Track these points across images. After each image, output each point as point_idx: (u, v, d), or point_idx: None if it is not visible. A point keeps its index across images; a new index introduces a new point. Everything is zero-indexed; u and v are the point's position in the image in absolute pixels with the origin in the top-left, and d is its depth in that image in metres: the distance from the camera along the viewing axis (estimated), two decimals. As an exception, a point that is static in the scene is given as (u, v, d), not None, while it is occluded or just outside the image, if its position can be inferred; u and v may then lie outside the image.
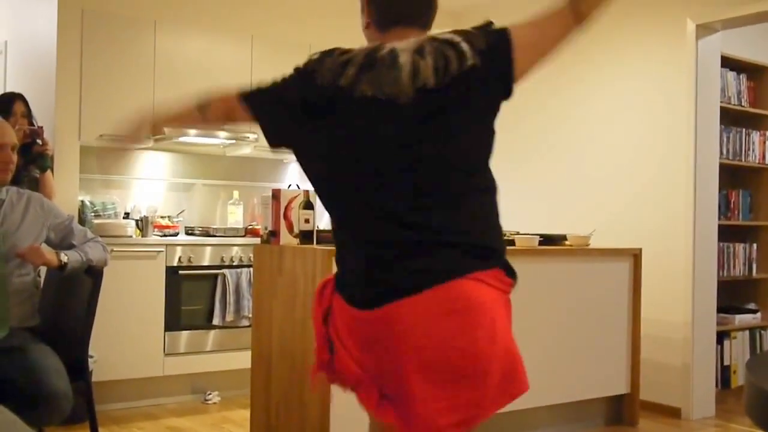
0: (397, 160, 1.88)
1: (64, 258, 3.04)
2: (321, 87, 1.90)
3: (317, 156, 1.99)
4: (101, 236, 3.50)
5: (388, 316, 1.86)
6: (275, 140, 2.06)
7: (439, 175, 1.88)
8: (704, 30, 4.82)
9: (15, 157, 3.07)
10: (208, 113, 2.12)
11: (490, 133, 1.96)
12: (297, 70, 2.01)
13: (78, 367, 3.04)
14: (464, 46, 1.86)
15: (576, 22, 1.90)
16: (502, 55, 1.89)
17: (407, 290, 1.85)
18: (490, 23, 1.95)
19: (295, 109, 1.96)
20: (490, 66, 1.88)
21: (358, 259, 1.94)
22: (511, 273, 2.09)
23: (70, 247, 3.14)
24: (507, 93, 1.95)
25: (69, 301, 3.25)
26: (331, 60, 1.92)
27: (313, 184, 2.05)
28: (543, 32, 1.92)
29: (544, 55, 1.95)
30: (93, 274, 3.16)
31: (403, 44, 1.89)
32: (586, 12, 1.90)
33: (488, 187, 1.98)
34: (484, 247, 1.97)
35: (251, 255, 4.60)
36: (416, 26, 2.00)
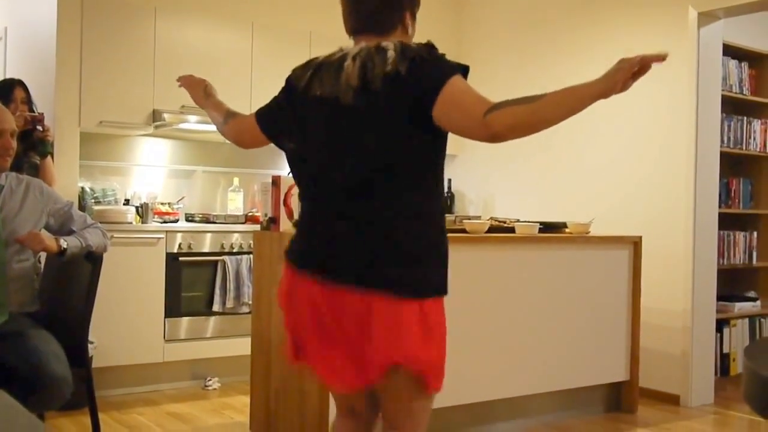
0: (336, 155, 2.08)
1: (63, 244, 3.03)
2: (292, 90, 2.20)
3: (290, 148, 2.25)
4: (101, 222, 3.50)
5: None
6: (267, 131, 2.35)
7: (361, 173, 2.04)
8: (706, 18, 4.80)
9: (15, 144, 3.07)
10: (229, 120, 2.48)
11: (423, 145, 2.04)
12: (287, 78, 2.27)
13: (78, 353, 3.04)
14: (391, 53, 1.99)
15: (483, 128, 1.90)
16: (433, 83, 1.95)
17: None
18: (431, 45, 2.05)
19: (283, 110, 2.26)
20: (419, 80, 1.97)
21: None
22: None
23: (70, 232, 3.14)
24: (426, 112, 1.97)
25: (69, 286, 3.25)
26: (302, 66, 2.20)
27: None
28: (462, 105, 1.94)
29: (452, 125, 1.99)
30: (92, 259, 3.16)
31: (352, 49, 2.09)
32: (496, 130, 1.89)
33: (409, 201, 2.06)
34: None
35: (251, 242, 4.61)
36: (375, 34, 2.12)
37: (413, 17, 2.19)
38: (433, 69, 1.99)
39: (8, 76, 5.13)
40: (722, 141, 5.17)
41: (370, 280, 2.01)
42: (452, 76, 1.97)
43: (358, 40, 2.15)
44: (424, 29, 2.27)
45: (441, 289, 2.11)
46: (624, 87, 1.93)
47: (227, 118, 2.49)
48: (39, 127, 4.09)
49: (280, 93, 2.28)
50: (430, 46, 2.05)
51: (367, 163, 2.02)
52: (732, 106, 5.38)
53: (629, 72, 1.91)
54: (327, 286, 2.06)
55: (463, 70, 2.01)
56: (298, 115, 2.17)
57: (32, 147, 4.07)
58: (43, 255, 3.24)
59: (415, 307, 2.02)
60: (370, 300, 2.00)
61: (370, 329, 2.01)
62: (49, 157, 4.13)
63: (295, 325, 2.19)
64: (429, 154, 2.07)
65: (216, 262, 5.01)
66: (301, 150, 2.18)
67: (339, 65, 2.06)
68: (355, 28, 2.17)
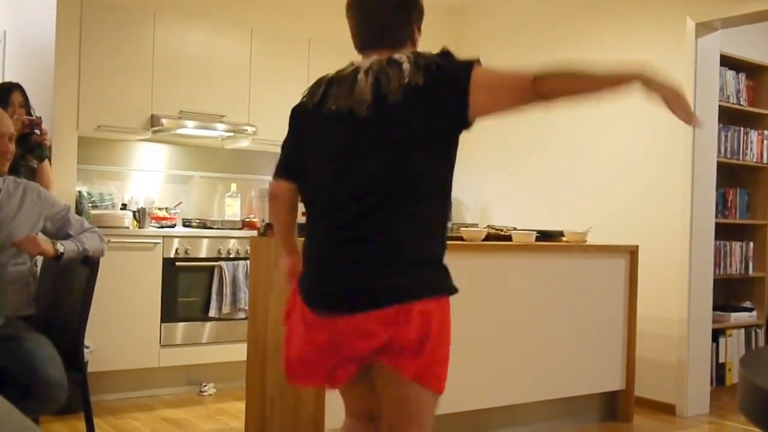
0: (350, 169, 2.07)
1: (60, 248, 3.03)
2: (300, 115, 2.22)
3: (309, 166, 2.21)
4: (98, 227, 3.50)
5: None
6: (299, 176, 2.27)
7: (378, 187, 2.04)
8: (704, 28, 4.82)
9: (12, 147, 3.07)
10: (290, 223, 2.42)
11: (439, 154, 2.07)
12: (291, 112, 2.28)
13: (73, 357, 3.03)
14: (406, 66, 2.02)
15: (534, 95, 1.98)
16: (457, 84, 2.00)
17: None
18: (447, 51, 2.07)
19: (298, 146, 2.22)
20: (440, 89, 2.00)
21: None
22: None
23: (67, 237, 3.14)
24: (463, 122, 2.05)
25: (65, 290, 3.25)
26: (314, 84, 2.20)
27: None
28: (503, 83, 2.03)
29: (497, 106, 2.06)
30: (89, 264, 3.15)
31: (365, 63, 2.11)
32: (546, 93, 1.97)
33: (419, 213, 2.07)
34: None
35: (248, 247, 4.61)
36: (386, 48, 2.13)
37: (419, 31, 2.24)
38: (451, 70, 2.02)
39: (6, 79, 5.14)
40: (719, 151, 5.18)
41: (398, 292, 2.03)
42: (473, 67, 2.01)
43: (368, 55, 2.15)
44: (423, 37, 2.27)
45: (452, 288, 2.13)
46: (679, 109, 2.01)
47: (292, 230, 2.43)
48: (36, 131, 4.09)
49: (289, 135, 2.27)
50: (445, 52, 2.07)
51: (382, 178, 2.03)
52: (729, 117, 5.40)
53: (679, 107, 2.02)
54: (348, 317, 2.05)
55: (477, 61, 2.05)
56: (310, 133, 2.18)
57: (30, 151, 4.07)
58: (39, 259, 3.24)
59: (439, 305, 2.07)
60: (405, 310, 2.01)
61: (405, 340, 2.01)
62: (46, 161, 4.13)
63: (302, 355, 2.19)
64: (442, 166, 2.09)
65: (213, 267, 5.01)
66: (315, 165, 2.16)
67: (352, 79, 2.07)
68: (365, 44, 2.18)
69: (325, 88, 2.13)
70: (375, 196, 2.03)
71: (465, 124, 2.06)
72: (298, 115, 2.23)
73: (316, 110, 2.13)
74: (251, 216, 5.54)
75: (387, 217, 2.03)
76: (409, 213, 2.04)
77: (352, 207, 2.05)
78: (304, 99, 2.21)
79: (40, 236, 3.09)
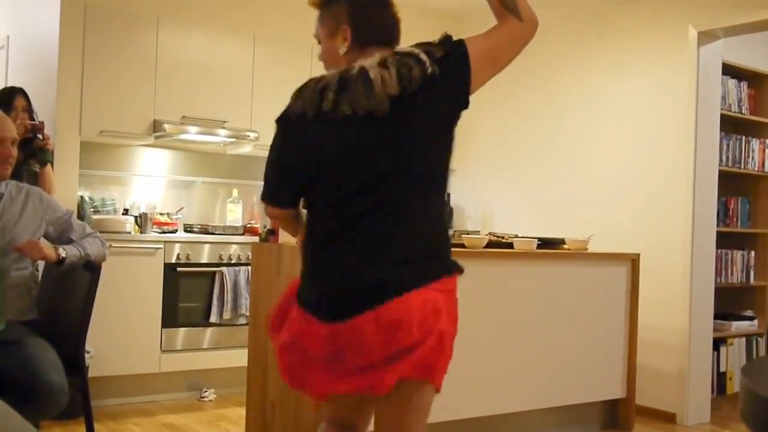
0: (377, 170, 2.03)
1: (62, 252, 3.04)
2: (307, 121, 2.03)
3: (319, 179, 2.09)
4: (100, 232, 3.49)
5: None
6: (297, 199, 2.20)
7: (407, 183, 2.04)
8: (706, 37, 4.82)
9: (15, 152, 3.07)
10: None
11: (451, 142, 2.12)
12: (281, 121, 2.11)
13: (74, 362, 3.03)
14: (423, 56, 2.01)
15: (526, 31, 2.12)
16: (460, 64, 2.05)
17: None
18: (449, 36, 2.10)
19: (304, 162, 2.08)
20: (449, 74, 2.04)
21: None
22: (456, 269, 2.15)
23: (69, 241, 3.14)
24: (464, 103, 2.09)
25: (67, 295, 3.25)
26: (309, 90, 2.05)
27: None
28: (495, 37, 2.13)
29: (502, 66, 2.16)
30: (91, 269, 3.15)
31: (369, 61, 2.03)
32: (512, 6, 2.08)
33: (442, 197, 2.15)
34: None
35: (249, 253, 4.61)
36: (389, 44, 2.13)
37: None
38: (456, 56, 2.06)
39: (10, 84, 5.14)
40: (721, 160, 5.18)
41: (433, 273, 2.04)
42: (464, 45, 2.06)
43: (366, 53, 2.08)
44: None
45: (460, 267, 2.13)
46: None
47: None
48: (39, 136, 4.10)
49: (288, 151, 2.11)
50: (446, 38, 2.10)
51: (413, 169, 2.04)
52: (731, 125, 5.40)
53: None
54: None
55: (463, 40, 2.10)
56: (321, 142, 2.04)
57: (32, 155, 4.07)
58: (41, 263, 3.24)
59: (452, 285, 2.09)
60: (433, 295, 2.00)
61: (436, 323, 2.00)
62: (48, 166, 4.13)
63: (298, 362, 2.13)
64: (450, 151, 2.12)
65: (214, 273, 5.01)
66: (332, 177, 2.05)
67: (364, 78, 1.99)
68: (377, 39, 2.10)
69: (336, 92, 2.00)
70: (404, 191, 2.03)
71: (466, 105, 2.09)
72: (297, 125, 2.06)
73: (323, 116, 2.01)
74: (253, 222, 5.54)
75: (417, 210, 2.05)
76: (431, 204, 2.09)
77: (387, 207, 2.03)
78: (302, 107, 2.04)
79: (42, 241, 3.09)
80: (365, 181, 2.03)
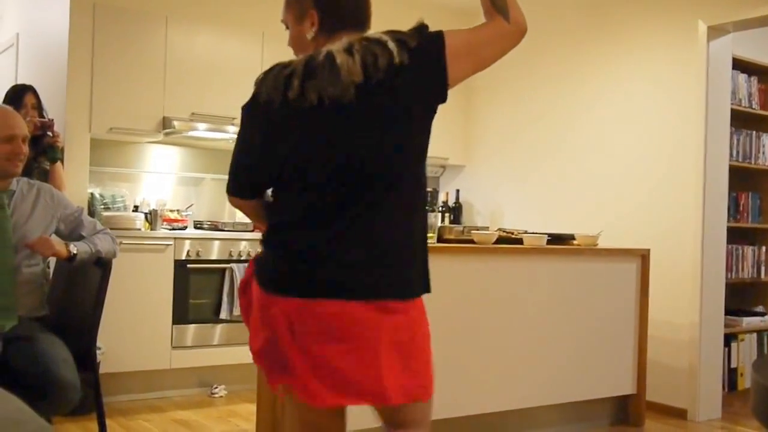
0: (345, 161, 1.93)
1: (73, 249, 3.05)
2: (273, 109, 1.94)
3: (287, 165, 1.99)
4: (110, 229, 3.51)
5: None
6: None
7: (379, 172, 1.95)
8: (716, 32, 4.80)
9: (26, 149, 3.08)
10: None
11: (424, 135, 2.02)
12: (246, 109, 2.02)
13: (86, 358, 3.04)
14: (391, 44, 1.91)
15: (504, 18, 2.00)
16: (435, 57, 1.94)
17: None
18: (425, 25, 1.98)
19: (270, 152, 1.98)
20: (422, 66, 1.93)
21: None
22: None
23: (80, 238, 3.15)
24: (441, 96, 1.99)
25: (78, 292, 3.27)
26: (273, 76, 1.96)
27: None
28: (477, 34, 2.02)
29: (484, 64, 2.04)
30: (102, 265, 3.17)
31: (336, 45, 1.94)
32: (500, 5, 2.00)
33: (419, 187, 2.05)
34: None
35: (259, 249, 4.61)
36: (358, 28, 2.04)
37: None
38: (429, 47, 1.95)
39: (20, 81, 5.16)
40: (731, 155, 5.16)
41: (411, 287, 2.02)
42: (444, 39, 1.95)
43: (334, 38, 2.00)
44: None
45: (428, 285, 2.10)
46: None
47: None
48: (49, 133, 4.12)
49: (253, 140, 2.01)
50: (420, 27, 1.98)
51: (384, 162, 1.94)
52: (741, 120, 5.37)
53: None
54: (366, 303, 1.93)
55: (442, 32, 1.99)
56: (288, 132, 1.95)
57: (42, 152, 4.09)
58: (52, 260, 3.25)
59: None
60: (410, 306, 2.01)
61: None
62: (59, 163, 4.15)
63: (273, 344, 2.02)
64: (425, 146, 2.03)
65: (224, 269, 5.02)
66: (302, 163, 1.95)
67: (330, 64, 1.90)
68: (346, 23, 2.02)
69: (301, 79, 1.91)
70: (377, 185, 1.94)
71: (444, 99, 1.99)
72: (264, 113, 1.96)
73: (290, 104, 1.92)
74: (262, 218, 5.55)
75: (391, 208, 1.96)
76: (411, 202, 2.02)
77: (357, 200, 1.94)
78: (268, 94, 1.95)
79: (54, 238, 3.11)
80: (333, 172, 1.93)
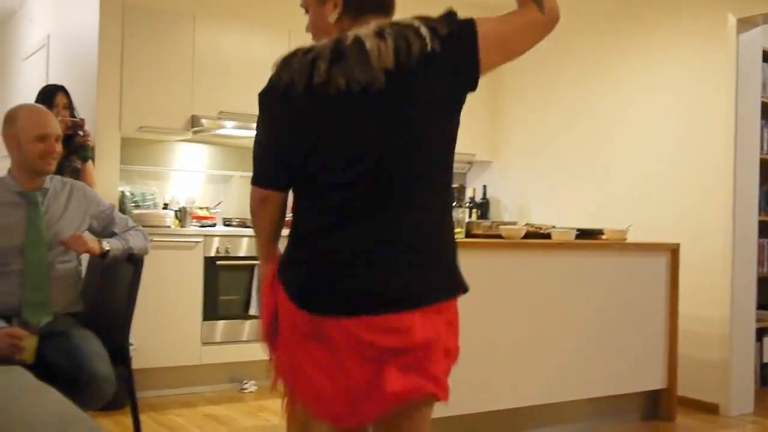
0: (374, 151, 1.85)
1: (106, 246, 3.08)
2: (295, 95, 1.83)
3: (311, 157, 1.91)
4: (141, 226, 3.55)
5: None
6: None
7: (408, 163, 1.86)
8: (745, 24, 4.76)
9: (59, 148, 3.12)
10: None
11: (454, 125, 1.94)
12: (265, 96, 1.94)
13: (119, 353, 3.07)
14: (424, 30, 1.82)
15: (538, 8, 1.89)
16: (467, 45, 1.86)
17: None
18: (454, 12, 1.90)
19: (295, 143, 1.91)
20: (453, 54, 1.85)
21: None
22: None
23: (112, 235, 3.19)
24: (472, 84, 1.91)
25: (110, 288, 3.30)
26: (297, 61, 1.86)
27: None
28: (510, 23, 1.92)
29: (516, 54, 1.96)
30: (134, 262, 3.20)
31: (364, 30, 1.84)
32: (555, 11, 1.93)
33: (448, 184, 1.98)
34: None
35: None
36: (386, 13, 1.95)
37: None
38: (462, 35, 1.86)
39: (51, 82, 5.23)
40: (762, 148, 5.11)
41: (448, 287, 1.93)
42: (473, 24, 1.88)
43: (360, 22, 1.89)
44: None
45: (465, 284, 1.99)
46: None
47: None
48: (80, 132, 4.18)
49: (277, 129, 1.94)
50: (449, 14, 1.90)
51: (414, 151, 1.85)
52: (772, 113, 5.32)
53: None
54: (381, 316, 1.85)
55: (474, 19, 1.92)
56: (314, 121, 1.85)
57: (73, 152, 4.15)
58: (85, 257, 3.30)
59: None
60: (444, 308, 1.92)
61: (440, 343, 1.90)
62: (89, 162, 4.21)
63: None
64: (455, 136, 1.95)
65: (252, 266, 5.05)
66: (327, 156, 1.87)
67: (360, 48, 1.80)
68: (375, 6, 1.92)
69: (329, 62, 1.80)
70: (410, 179, 1.85)
71: (474, 88, 1.91)
72: (285, 100, 1.85)
73: (315, 90, 1.81)
74: (290, 215, 5.57)
75: (425, 203, 1.88)
76: (440, 195, 1.93)
77: (396, 196, 1.85)
78: (291, 78, 1.85)
79: (87, 234, 3.15)
80: (361, 163, 1.84)
